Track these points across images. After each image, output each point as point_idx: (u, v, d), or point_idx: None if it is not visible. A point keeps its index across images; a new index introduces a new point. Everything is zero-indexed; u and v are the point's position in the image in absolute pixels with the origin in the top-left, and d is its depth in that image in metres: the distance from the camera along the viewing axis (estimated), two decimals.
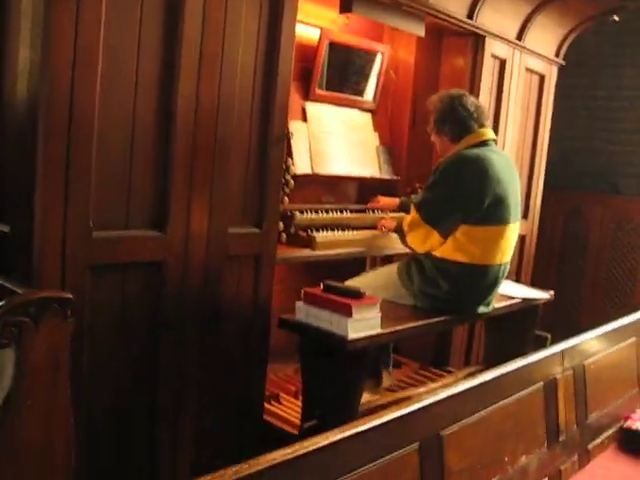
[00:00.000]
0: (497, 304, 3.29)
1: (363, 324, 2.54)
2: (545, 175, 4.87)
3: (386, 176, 3.92)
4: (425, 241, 3.01)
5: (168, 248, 2.46)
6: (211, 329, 2.66)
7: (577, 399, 2.72)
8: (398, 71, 4.06)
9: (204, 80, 2.47)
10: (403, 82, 4.04)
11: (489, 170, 2.92)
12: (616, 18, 4.48)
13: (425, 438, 1.86)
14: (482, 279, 3.03)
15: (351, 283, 3.12)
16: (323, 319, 2.57)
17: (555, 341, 3.79)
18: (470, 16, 3.69)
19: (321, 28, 3.44)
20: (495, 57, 4.00)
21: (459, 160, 2.98)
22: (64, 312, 1.93)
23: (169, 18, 2.36)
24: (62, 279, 2.17)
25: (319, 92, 3.56)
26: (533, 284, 4.39)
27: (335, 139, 3.65)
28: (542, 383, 2.48)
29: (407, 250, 3.25)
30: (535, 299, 3.57)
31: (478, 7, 3.68)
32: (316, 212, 3.39)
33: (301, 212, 3.26)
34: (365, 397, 2.92)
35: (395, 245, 3.46)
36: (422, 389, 3.28)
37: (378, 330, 2.62)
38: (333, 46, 3.51)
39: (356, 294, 2.59)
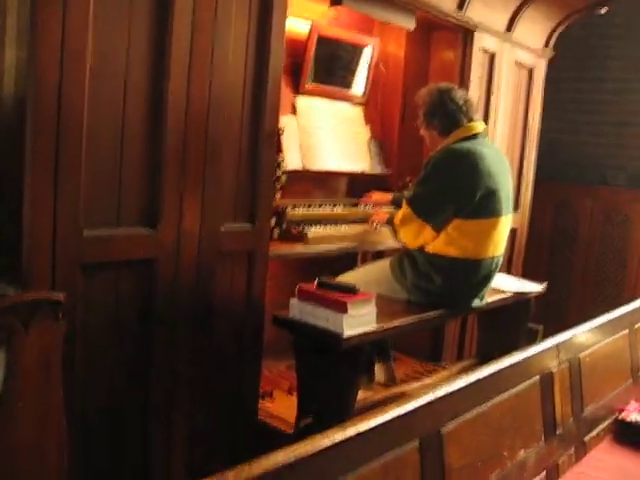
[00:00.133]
0: (490, 298, 3.28)
1: (358, 320, 2.52)
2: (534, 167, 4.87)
3: (377, 170, 3.90)
4: (418, 236, 3.00)
5: (160, 246, 2.42)
6: (204, 326, 2.63)
7: (573, 392, 2.72)
8: (388, 65, 4.04)
9: (194, 77, 2.44)
10: (393, 76, 4.02)
11: (480, 163, 2.91)
12: (603, 11, 4.47)
13: (425, 436, 1.84)
14: (475, 273, 3.02)
15: (343, 278, 3.10)
16: (318, 316, 2.55)
17: (547, 333, 3.83)
18: (460, 9, 3.68)
19: (311, 22, 3.40)
20: (484, 50, 3.99)
21: (449, 154, 2.96)
22: (55, 314, 1.89)
23: (159, 15, 2.32)
24: (52, 279, 2.13)
25: (309, 86, 3.53)
26: (524, 277, 4.39)
27: (325, 133, 3.62)
28: (538, 377, 2.47)
29: (399, 245, 3.23)
30: (528, 292, 3.57)
31: (468, 0, 3.65)
32: (308, 207, 3.36)
33: (293, 207, 3.23)
34: (359, 393, 2.90)
35: (387, 240, 3.45)
36: (416, 384, 3.27)
37: (373, 326, 2.60)
38: (323, 40, 3.48)
39: (351, 290, 2.56)
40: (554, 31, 4.62)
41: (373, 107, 4.01)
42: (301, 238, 3.11)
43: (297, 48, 3.37)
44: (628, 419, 2.99)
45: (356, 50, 3.75)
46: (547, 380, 2.52)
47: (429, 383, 3.34)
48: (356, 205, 3.70)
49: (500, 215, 3.00)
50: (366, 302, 2.57)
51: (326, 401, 2.61)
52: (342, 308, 2.47)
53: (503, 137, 4.32)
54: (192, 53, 2.42)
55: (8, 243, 2.14)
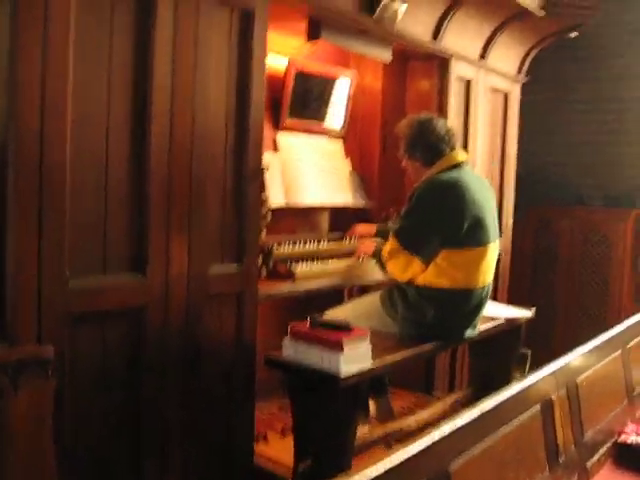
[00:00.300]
0: (482, 326, 3.25)
1: (355, 358, 2.46)
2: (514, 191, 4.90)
3: (359, 203, 3.89)
4: (406, 269, 2.96)
5: (148, 292, 2.37)
6: (194, 371, 2.58)
7: (573, 418, 2.68)
8: (366, 97, 4.04)
9: (176, 118, 2.41)
10: (371, 107, 4.03)
11: (465, 193, 2.90)
12: (573, 34, 4.55)
13: (433, 476, 1.80)
14: (467, 303, 2.99)
15: (332, 314, 3.05)
16: (312, 355, 2.49)
17: (534, 357, 3.81)
18: (435, 39, 3.70)
19: (289, 57, 3.40)
20: (460, 78, 4.02)
21: (434, 185, 2.94)
22: (44, 371, 1.83)
23: (139, 58, 2.30)
24: (39, 331, 2.06)
25: (289, 121, 3.52)
26: (510, 301, 4.38)
27: (307, 168, 3.60)
28: (539, 406, 2.43)
29: (387, 278, 3.20)
30: (518, 318, 3.55)
31: (442, 30, 3.70)
32: (293, 244, 3.32)
33: (278, 245, 3.19)
34: None
35: (375, 273, 3.41)
36: (413, 419, 3.21)
37: (370, 363, 2.55)
38: (300, 75, 3.48)
39: (345, 327, 2.51)
40: (527, 56, 4.69)
41: (352, 140, 4.01)
42: (289, 276, 3.07)
43: (275, 84, 3.37)
44: (628, 442, 2.96)
45: (334, 83, 3.76)
46: (547, 408, 2.49)
47: (426, 417, 3.29)
48: (341, 239, 3.67)
49: (488, 243, 2.98)
50: (361, 339, 2.52)
51: (324, 442, 2.54)
52: (338, 347, 2.42)
53: (482, 163, 4.34)
54: (173, 94, 2.39)
55: None
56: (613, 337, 3.15)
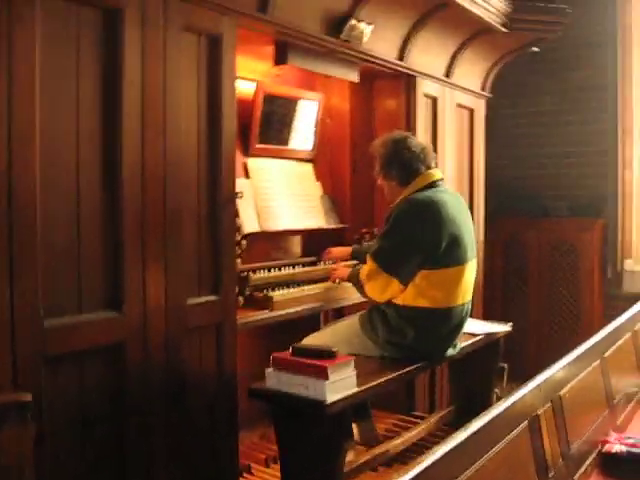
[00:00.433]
0: (462, 343, 3.24)
1: (340, 384, 2.43)
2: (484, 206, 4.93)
3: (332, 225, 3.86)
4: (385, 290, 2.93)
5: (126, 328, 2.31)
6: (176, 405, 2.52)
7: (559, 431, 2.67)
8: (334, 118, 4.04)
9: (148, 148, 2.37)
10: (340, 129, 4.02)
11: (442, 212, 2.88)
12: (535, 49, 4.62)
13: None
14: (447, 322, 2.97)
15: (311, 340, 3.01)
16: (297, 384, 2.44)
17: (511, 370, 3.81)
18: (401, 58, 3.73)
19: (257, 81, 3.38)
20: (427, 96, 4.04)
21: (411, 205, 2.93)
22: (23, 417, 1.75)
23: (107, 86, 2.26)
24: (14, 375, 1.98)
25: (259, 146, 3.49)
26: (484, 317, 4.38)
27: (279, 193, 3.57)
28: (527, 422, 2.42)
29: (364, 300, 3.17)
30: (496, 332, 3.55)
31: (408, 49, 3.72)
32: (268, 270, 3.28)
33: (254, 272, 3.14)
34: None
35: (352, 295, 3.39)
36: (398, 441, 3.17)
37: (355, 389, 2.51)
38: (269, 98, 3.46)
39: (329, 354, 2.47)
40: (491, 71, 4.75)
41: (323, 162, 3.99)
42: (266, 303, 3.02)
43: (243, 109, 3.33)
44: (612, 451, 2.97)
45: (302, 106, 3.74)
46: (535, 423, 2.47)
47: (411, 438, 3.26)
48: (315, 263, 3.64)
49: (466, 262, 2.97)
50: (346, 365, 2.48)
51: (313, 471, 2.49)
52: (323, 374, 2.37)
53: (452, 180, 4.36)
54: (144, 121, 2.35)
55: None
56: (591, 347, 3.17)
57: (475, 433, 2.07)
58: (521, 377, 3.83)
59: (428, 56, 3.97)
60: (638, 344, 3.68)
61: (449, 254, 2.89)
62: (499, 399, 3.72)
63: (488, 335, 3.48)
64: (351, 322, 3.15)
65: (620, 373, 3.35)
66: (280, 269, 3.36)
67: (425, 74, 3.98)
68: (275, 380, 2.52)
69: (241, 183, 3.28)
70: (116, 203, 2.28)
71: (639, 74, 5.18)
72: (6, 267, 1.97)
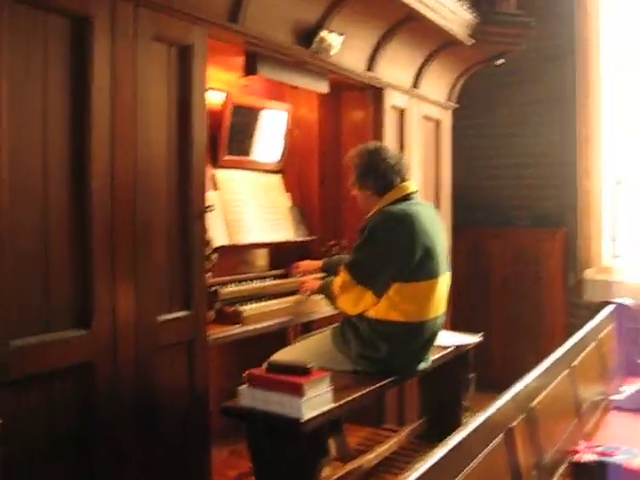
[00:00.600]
0: (433, 356, 3.23)
1: (316, 401, 2.39)
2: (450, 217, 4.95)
3: (301, 237, 3.83)
4: (358, 302, 2.90)
5: (95, 346, 2.23)
6: (148, 424, 2.45)
7: (532, 443, 2.68)
8: (302, 129, 4.01)
9: (117, 161, 2.31)
10: (308, 140, 4.00)
11: (416, 224, 2.88)
12: (500, 62, 4.67)
13: None
14: (419, 336, 2.96)
15: (282, 356, 2.95)
16: (272, 401, 2.39)
17: (478, 380, 3.82)
18: (369, 69, 3.72)
19: (227, 92, 3.33)
20: (394, 107, 4.04)
21: (386, 217, 2.91)
22: None
23: (76, 96, 2.19)
24: None
25: (227, 158, 3.44)
26: (452, 327, 4.39)
27: (248, 205, 3.52)
28: (502, 435, 2.41)
29: (335, 312, 3.14)
30: (466, 344, 3.56)
31: (376, 60, 3.71)
32: (238, 284, 3.23)
33: (223, 286, 3.08)
34: None
35: (322, 308, 3.35)
36: (372, 455, 3.14)
37: (331, 405, 2.47)
38: (237, 109, 3.41)
39: (303, 370, 2.43)
40: (457, 83, 4.78)
41: (291, 173, 3.96)
42: (237, 318, 2.96)
43: (212, 119, 3.27)
44: (582, 460, 2.99)
45: (271, 117, 3.70)
46: (510, 436, 2.47)
47: (383, 452, 3.23)
48: (284, 276, 3.60)
49: (438, 275, 2.96)
50: (322, 381, 2.44)
51: None
52: (298, 391, 2.33)
53: (419, 191, 4.35)
54: (113, 132, 2.29)
55: None
56: (560, 358, 3.19)
57: (453, 449, 2.05)
58: (487, 385, 3.87)
59: (396, 67, 3.98)
60: (602, 352, 3.73)
61: (422, 267, 2.88)
62: (467, 409, 3.75)
63: (458, 347, 3.48)
64: (323, 336, 3.11)
65: (586, 382, 3.39)
66: (250, 283, 3.31)
67: (393, 85, 3.99)
68: (250, 397, 2.46)
69: (210, 195, 3.23)
70: (85, 218, 2.21)
71: (598, 86, 5.27)
72: None
